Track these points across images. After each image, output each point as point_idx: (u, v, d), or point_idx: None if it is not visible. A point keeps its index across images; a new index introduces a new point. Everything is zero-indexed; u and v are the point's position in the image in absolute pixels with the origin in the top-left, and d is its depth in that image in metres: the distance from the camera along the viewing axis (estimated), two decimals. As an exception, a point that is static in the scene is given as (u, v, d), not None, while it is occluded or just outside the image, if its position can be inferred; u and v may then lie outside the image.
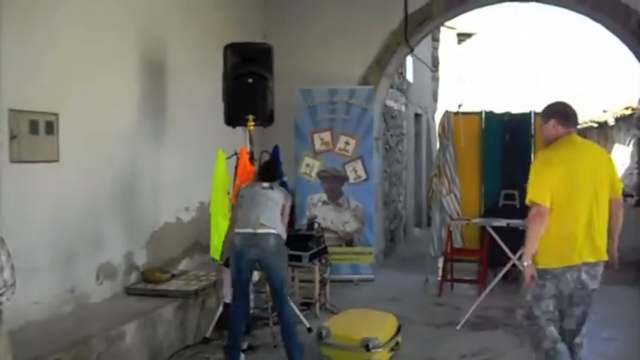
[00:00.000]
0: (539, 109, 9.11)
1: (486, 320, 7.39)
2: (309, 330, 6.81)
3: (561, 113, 4.76)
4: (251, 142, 6.87)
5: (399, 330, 6.27)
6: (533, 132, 9.39)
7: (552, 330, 4.63)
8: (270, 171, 6.27)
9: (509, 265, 7.38)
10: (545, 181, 4.60)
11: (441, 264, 9.56)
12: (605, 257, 4.68)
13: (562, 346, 4.58)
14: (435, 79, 17.75)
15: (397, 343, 6.19)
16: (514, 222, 7.36)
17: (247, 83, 6.68)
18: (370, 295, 8.65)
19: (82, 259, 6.00)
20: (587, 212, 4.55)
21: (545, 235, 4.50)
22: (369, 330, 5.93)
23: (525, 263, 4.53)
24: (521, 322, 4.84)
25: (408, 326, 6.81)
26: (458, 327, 7.13)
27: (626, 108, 21.22)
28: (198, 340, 6.52)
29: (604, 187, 4.61)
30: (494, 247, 7.92)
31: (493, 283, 7.57)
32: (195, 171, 7.65)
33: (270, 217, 5.72)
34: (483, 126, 9.53)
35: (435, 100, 17.97)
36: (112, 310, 6.01)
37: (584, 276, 4.56)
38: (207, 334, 6.53)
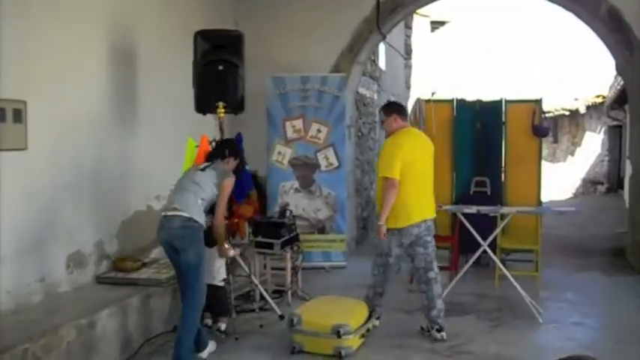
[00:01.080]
0: (512, 96, 9.23)
1: (457, 306, 7.45)
2: (281, 317, 6.82)
3: (400, 110, 6.46)
4: (221, 129, 6.82)
5: (370, 316, 6.29)
6: (504, 120, 9.44)
7: (378, 280, 6.51)
8: (217, 150, 6.17)
9: (480, 251, 7.45)
10: (395, 161, 6.08)
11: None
12: (434, 215, 6.51)
13: (380, 291, 6.54)
14: (408, 67, 17.81)
15: (368, 330, 6.21)
16: (484, 209, 7.43)
17: (217, 70, 6.65)
18: (342, 282, 8.67)
19: (51, 248, 5.98)
20: (422, 183, 6.33)
21: (395, 203, 6.09)
22: (340, 317, 5.96)
23: (380, 223, 6.16)
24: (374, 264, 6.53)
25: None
26: (429, 313, 7.17)
27: (597, 96, 21.44)
28: (169, 329, 6.49)
29: (430, 164, 6.47)
30: (465, 234, 7.98)
31: (464, 269, 7.62)
32: (167, 159, 7.59)
33: (186, 200, 5.56)
34: (455, 113, 9.56)
35: (408, 87, 18.02)
36: (83, 299, 5.98)
37: (421, 230, 6.31)
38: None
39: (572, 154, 25.73)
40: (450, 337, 6.38)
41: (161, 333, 6.40)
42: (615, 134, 21.57)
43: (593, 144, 23.28)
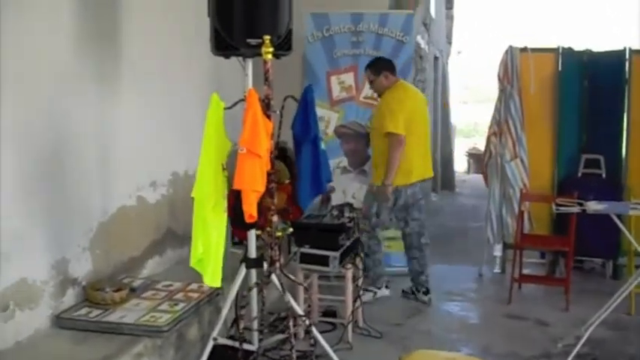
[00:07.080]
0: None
1: (596, 347, 5.07)
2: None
3: (388, 66, 6.04)
4: (266, 78, 4.21)
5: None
6: (627, 76, 7.00)
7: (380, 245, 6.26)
8: None
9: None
10: (400, 115, 5.79)
11: (497, 252, 7.27)
12: (432, 174, 6.40)
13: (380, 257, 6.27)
14: (449, 18, 15.27)
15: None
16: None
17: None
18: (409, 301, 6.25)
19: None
20: (422, 139, 6.10)
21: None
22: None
23: (388, 183, 5.77)
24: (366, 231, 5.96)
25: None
26: (566, 365, 4.76)
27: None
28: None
29: (427, 119, 6.31)
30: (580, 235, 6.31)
31: (628, 289, 5.03)
32: (166, 128, 5.30)
33: None
34: (560, 68, 7.12)
35: (449, 42, 15.49)
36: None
37: (416, 190, 6.03)
38: (188, 393, 4.09)
39: None
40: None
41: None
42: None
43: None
